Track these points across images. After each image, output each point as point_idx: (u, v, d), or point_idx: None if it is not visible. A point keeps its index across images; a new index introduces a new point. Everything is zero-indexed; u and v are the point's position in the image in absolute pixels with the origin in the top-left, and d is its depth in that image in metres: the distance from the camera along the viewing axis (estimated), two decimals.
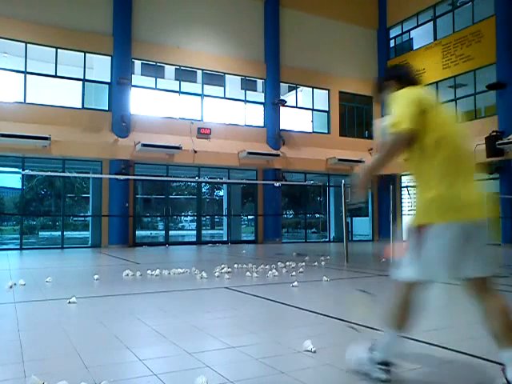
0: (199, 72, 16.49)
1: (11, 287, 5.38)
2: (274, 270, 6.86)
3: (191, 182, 20.50)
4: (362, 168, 2.28)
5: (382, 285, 5.72)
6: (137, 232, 15.95)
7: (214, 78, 16.78)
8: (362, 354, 2.30)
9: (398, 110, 2.15)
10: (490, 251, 2.16)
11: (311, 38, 18.30)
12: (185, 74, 16.31)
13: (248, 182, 17.74)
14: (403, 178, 18.87)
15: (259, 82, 17.93)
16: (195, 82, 16.56)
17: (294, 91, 18.29)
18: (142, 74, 15.87)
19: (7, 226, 24.72)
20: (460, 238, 2.06)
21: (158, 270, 6.75)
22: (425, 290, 2.19)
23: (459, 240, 2.06)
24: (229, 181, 17.11)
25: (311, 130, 18.42)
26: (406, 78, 2.41)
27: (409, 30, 19.11)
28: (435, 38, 17.78)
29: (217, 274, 6.68)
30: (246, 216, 22.96)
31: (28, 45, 13.73)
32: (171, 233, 18.40)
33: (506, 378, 2.00)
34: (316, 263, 8.24)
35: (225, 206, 18.49)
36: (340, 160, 17.38)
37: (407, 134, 2.09)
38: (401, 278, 2.20)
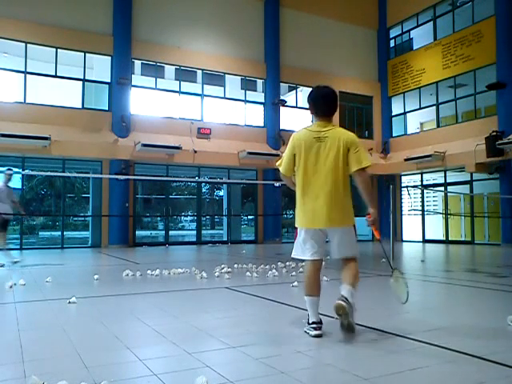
0: (199, 72, 16.49)
1: (11, 287, 5.38)
2: (273, 270, 6.86)
3: (191, 181, 20.50)
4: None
5: (381, 285, 5.72)
6: (137, 232, 15.95)
7: (214, 78, 16.77)
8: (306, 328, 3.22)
9: (285, 152, 3.33)
10: (350, 243, 3.18)
11: (311, 38, 18.30)
12: (185, 74, 16.31)
13: (248, 182, 17.74)
14: (403, 178, 18.89)
15: (259, 82, 17.92)
16: (195, 82, 16.56)
17: (294, 91, 18.28)
18: (142, 74, 15.86)
19: (7, 226, 24.64)
20: (313, 236, 3.17)
21: (157, 270, 6.76)
22: (317, 263, 3.22)
23: (312, 237, 3.18)
24: (229, 181, 17.11)
25: None
26: (313, 107, 3.29)
27: (409, 30, 19.09)
28: (435, 38, 17.77)
29: (217, 273, 6.68)
30: (246, 216, 22.95)
31: (28, 45, 13.73)
32: (171, 233, 18.40)
33: (341, 294, 3.02)
34: None
35: (225, 206, 18.48)
36: None
37: (282, 174, 3.35)
38: (293, 256, 3.31)
